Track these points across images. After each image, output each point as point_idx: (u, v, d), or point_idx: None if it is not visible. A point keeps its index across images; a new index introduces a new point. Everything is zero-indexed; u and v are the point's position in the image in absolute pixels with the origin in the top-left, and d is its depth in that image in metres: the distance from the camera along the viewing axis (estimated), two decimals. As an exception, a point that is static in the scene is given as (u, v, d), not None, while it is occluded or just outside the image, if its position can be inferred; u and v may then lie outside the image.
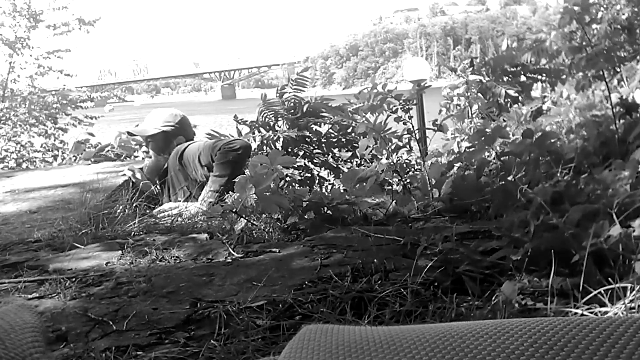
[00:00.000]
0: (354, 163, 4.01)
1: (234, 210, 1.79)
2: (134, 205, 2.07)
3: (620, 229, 1.03)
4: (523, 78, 3.64)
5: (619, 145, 1.93)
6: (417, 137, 2.94)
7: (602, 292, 0.94)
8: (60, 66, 7.82)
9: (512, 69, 3.61)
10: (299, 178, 3.77)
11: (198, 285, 1.28)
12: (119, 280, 1.33)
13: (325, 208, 1.88)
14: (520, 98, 3.53)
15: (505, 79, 3.63)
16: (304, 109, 4.06)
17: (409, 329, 0.32)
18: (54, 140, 7.23)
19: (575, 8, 2.18)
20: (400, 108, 2.56)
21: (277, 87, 4.31)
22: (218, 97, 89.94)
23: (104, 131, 6.87)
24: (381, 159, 2.69)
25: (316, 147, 4.08)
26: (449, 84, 4.03)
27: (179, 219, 2.06)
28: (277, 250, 1.49)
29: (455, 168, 2.26)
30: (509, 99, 3.56)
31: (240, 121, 4.03)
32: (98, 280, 1.36)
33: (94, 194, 2.16)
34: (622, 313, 0.90)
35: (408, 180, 2.25)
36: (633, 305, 0.91)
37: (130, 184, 2.58)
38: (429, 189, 2.04)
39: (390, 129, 2.94)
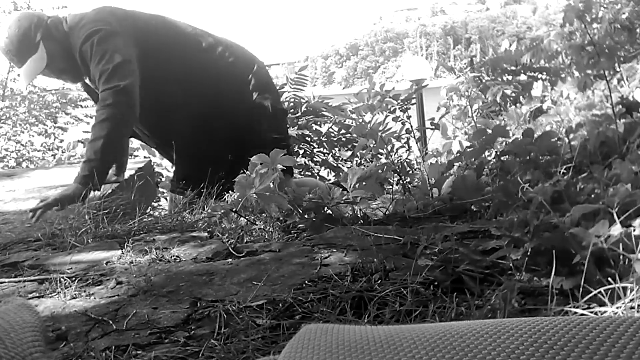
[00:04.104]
0: (354, 162, 4.02)
1: (234, 209, 1.79)
2: (134, 204, 2.07)
3: (621, 229, 1.03)
4: (523, 77, 3.64)
5: (619, 145, 1.93)
6: (417, 137, 2.94)
7: (602, 291, 0.94)
8: (60, 65, 7.80)
9: (512, 68, 3.61)
10: (300, 177, 3.77)
11: (198, 284, 1.28)
12: (119, 279, 1.33)
13: (325, 207, 1.88)
14: (520, 97, 3.54)
15: (505, 78, 3.63)
16: (304, 108, 4.06)
17: (409, 328, 0.32)
18: (54, 140, 7.24)
19: (580, 5, 2.18)
20: (399, 108, 2.57)
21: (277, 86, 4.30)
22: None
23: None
24: (381, 158, 2.70)
25: (316, 146, 4.09)
26: (448, 83, 4.04)
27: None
28: (277, 250, 1.49)
29: (455, 167, 2.26)
30: (508, 98, 3.56)
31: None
32: (98, 280, 1.36)
33: (94, 193, 2.15)
34: (622, 313, 0.90)
35: (408, 180, 2.25)
36: (633, 305, 0.91)
37: (131, 182, 2.56)
38: (429, 188, 2.04)
39: (390, 128, 2.95)
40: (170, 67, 2.27)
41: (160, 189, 3.22)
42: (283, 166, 1.80)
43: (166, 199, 2.72)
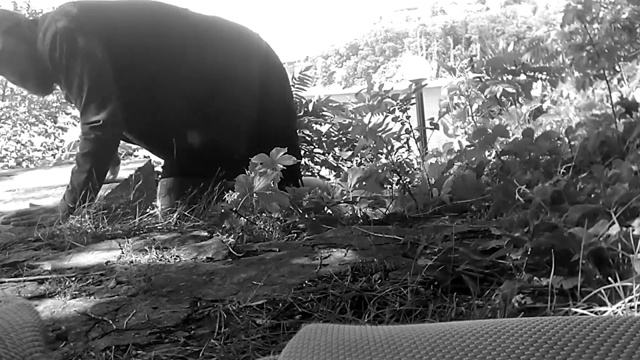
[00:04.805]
0: (355, 162, 4.02)
1: (234, 209, 1.79)
2: (134, 203, 2.07)
3: (619, 228, 1.03)
4: (523, 77, 3.65)
5: (619, 145, 1.93)
6: (417, 137, 2.94)
7: (602, 291, 0.94)
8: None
9: (511, 68, 3.61)
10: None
11: (198, 284, 1.28)
12: (119, 279, 1.33)
13: (325, 207, 1.88)
14: (519, 97, 3.54)
15: (505, 77, 3.63)
16: (310, 107, 4.07)
17: (409, 328, 0.32)
18: (54, 140, 7.25)
19: (579, 6, 2.19)
20: (398, 108, 2.57)
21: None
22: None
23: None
24: (381, 158, 2.70)
25: (317, 146, 4.09)
26: (447, 83, 4.05)
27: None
28: (277, 250, 1.49)
29: (455, 167, 2.26)
30: (507, 97, 3.57)
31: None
32: (98, 280, 1.36)
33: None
34: (622, 312, 0.91)
35: (407, 180, 2.25)
36: (633, 304, 0.91)
37: (130, 182, 2.54)
38: (429, 188, 2.04)
39: (391, 129, 2.95)
40: (158, 59, 2.15)
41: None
42: (284, 166, 1.79)
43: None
